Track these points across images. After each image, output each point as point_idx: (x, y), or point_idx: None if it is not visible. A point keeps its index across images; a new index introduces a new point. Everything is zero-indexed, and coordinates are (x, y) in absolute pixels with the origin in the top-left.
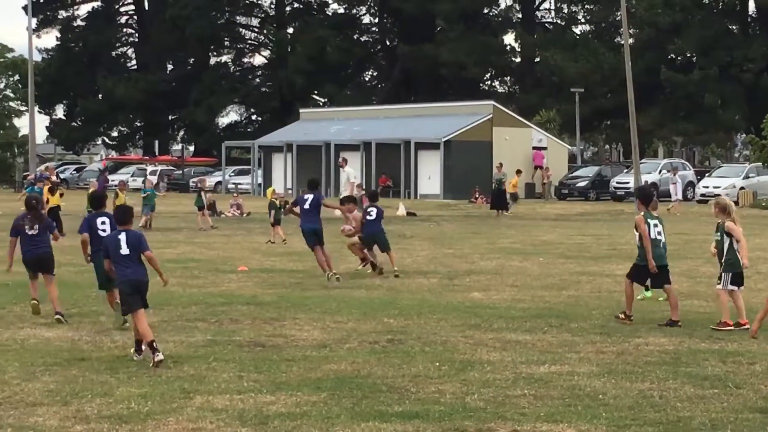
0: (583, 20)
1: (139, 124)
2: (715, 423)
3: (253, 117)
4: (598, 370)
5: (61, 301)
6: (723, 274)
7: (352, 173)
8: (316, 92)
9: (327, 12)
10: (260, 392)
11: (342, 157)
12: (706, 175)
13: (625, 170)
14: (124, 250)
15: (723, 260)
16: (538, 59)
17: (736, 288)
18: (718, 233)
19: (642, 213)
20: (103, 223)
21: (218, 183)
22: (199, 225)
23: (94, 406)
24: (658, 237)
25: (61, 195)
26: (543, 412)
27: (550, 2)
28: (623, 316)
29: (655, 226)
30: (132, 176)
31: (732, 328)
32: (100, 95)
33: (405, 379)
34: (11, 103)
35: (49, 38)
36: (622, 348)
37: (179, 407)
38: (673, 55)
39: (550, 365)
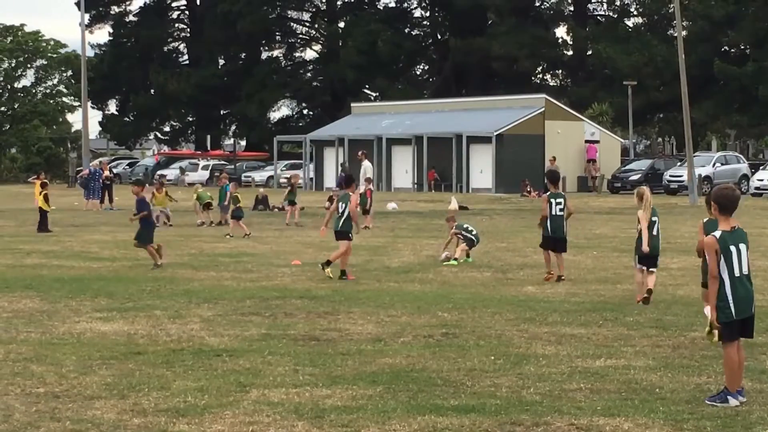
0: (635, 12)
1: (190, 119)
2: None
3: (305, 111)
4: (655, 363)
5: None
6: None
7: (369, 168)
8: (367, 86)
9: (378, 6)
10: (316, 386)
11: (361, 151)
12: (761, 168)
13: (679, 163)
14: None
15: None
16: (590, 52)
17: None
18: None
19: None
20: None
21: (270, 177)
22: (287, 219)
23: (151, 399)
24: (559, 213)
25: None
26: (599, 406)
27: None
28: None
29: (558, 204)
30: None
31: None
32: (152, 90)
33: (460, 373)
34: (64, 99)
35: (102, 34)
36: (678, 342)
37: (235, 401)
38: (726, 48)
39: (605, 359)
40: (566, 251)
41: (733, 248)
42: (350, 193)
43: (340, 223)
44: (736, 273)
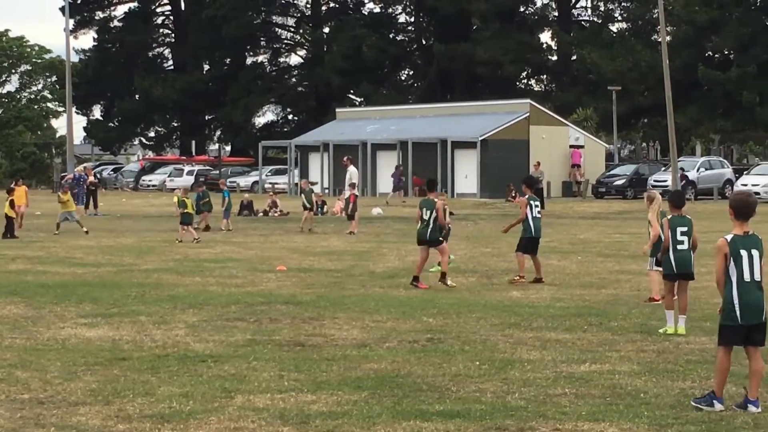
0: (619, 18)
1: (175, 124)
2: (758, 422)
3: (290, 117)
4: (639, 368)
5: None
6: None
7: (355, 173)
8: (352, 91)
9: (363, 11)
10: (301, 391)
11: (346, 157)
12: (745, 172)
13: (663, 168)
14: None
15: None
16: (574, 57)
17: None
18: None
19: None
20: None
21: (255, 183)
22: (301, 224)
23: (136, 405)
24: (537, 215)
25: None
26: (584, 410)
27: (586, 0)
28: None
29: (536, 206)
30: (169, 176)
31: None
32: (137, 95)
33: (445, 378)
34: (49, 104)
35: (86, 39)
36: (662, 346)
37: (220, 406)
38: (710, 53)
39: (590, 364)
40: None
41: (744, 252)
42: (434, 199)
43: (428, 231)
44: (746, 278)
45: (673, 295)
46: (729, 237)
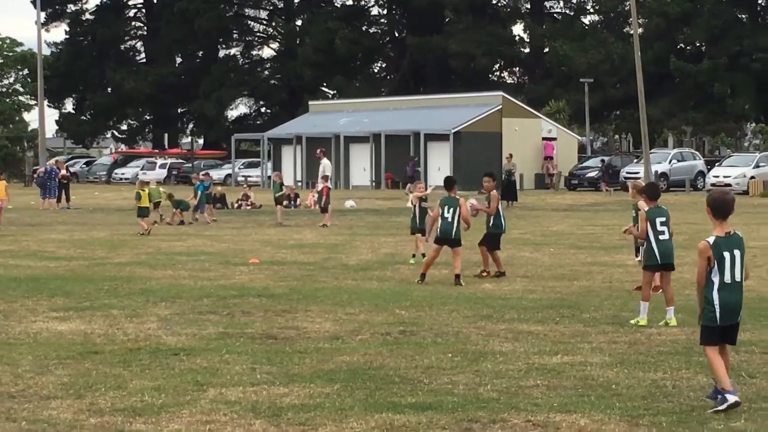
0: (591, 10)
1: (148, 118)
2: (729, 413)
3: (263, 109)
4: (611, 360)
5: None
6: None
7: (328, 166)
8: (325, 84)
9: (335, 4)
10: (273, 384)
11: (319, 149)
12: (716, 164)
13: (635, 160)
14: None
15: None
16: (547, 50)
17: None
18: (634, 211)
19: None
20: None
21: (228, 176)
22: (279, 219)
23: (108, 399)
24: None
25: None
26: (556, 402)
27: None
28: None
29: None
30: (142, 169)
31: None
32: (109, 89)
33: (418, 371)
34: (20, 97)
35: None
36: (634, 338)
37: (193, 400)
38: (682, 45)
39: (562, 356)
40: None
41: (727, 254)
42: (457, 197)
43: (453, 230)
44: (727, 279)
45: (651, 286)
46: (711, 240)
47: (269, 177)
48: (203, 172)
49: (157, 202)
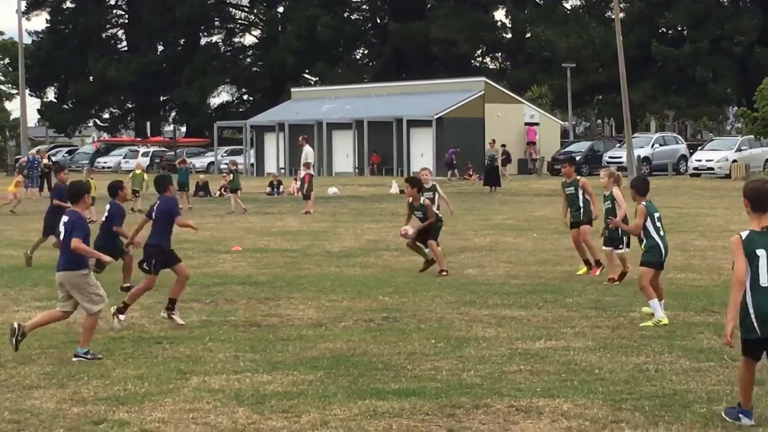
0: None
1: (130, 106)
2: (711, 395)
3: (245, 97)
4: (594, 344)
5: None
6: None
7: (310, 153)
8: (307, 71)
9: None
10: (256, 372)
11: (301, 137)
12: (699, 148)
13: (618, 145)
14: None
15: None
16: (529, 35)
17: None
18: (608, 201)
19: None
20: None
21: (210, 164)
22: (232, 208)
23: (91, 388)
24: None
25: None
26: (539, 387)
27: None
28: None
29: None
30: (124, 158)
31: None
32: (90, 77)
33: (401, 357)
34: (2, 87)
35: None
36: (617, 322)
37: (176, 388)
38: (664, 29)
39: (545, 341)
40: None
41: (762, 252)
42: (578, 179)
43: (582, 212)
44: (762, 282)
45: (653, 283)
46: (744, 234)
47: (252, 164)
48: (179, 159)
49: (136, 190)
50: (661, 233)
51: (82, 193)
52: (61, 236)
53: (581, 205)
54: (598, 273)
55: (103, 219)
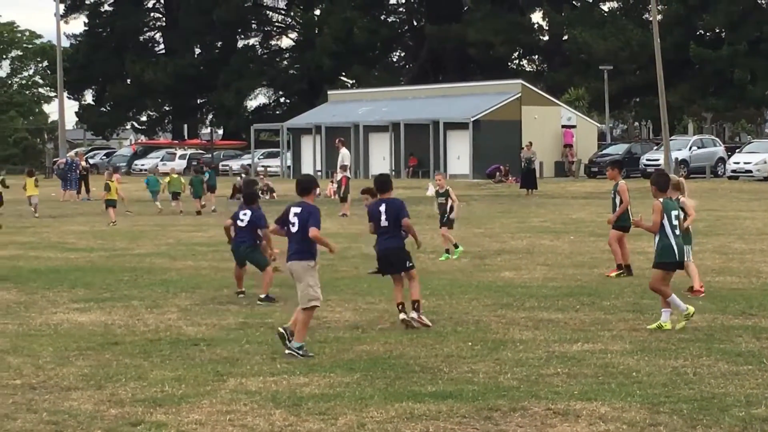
0: None
1: (167, 108)
2: (750, 399)
3: (282, 99)
4: (631, 347)
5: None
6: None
7: (347, 156)
8: (343, 74)
9: None
10: (293, 374)
11: (338, 139)
12: (737, 151)
13: (655, 147)
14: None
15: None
16: (566, 37)
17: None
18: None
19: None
20: (244, 214)
21: (248, 166)
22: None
23: (128, 389)
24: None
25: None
26: (576, 390)
27: None
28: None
29: None
30: (162, 160)
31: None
32: (128, 80)
33: (438, 359)
34: (40, 90)
35: (77, 24)
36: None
37: (213, 390)
38: (701, 31)
39: (582, 343)
40: None
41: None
42: (618, 182)
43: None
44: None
45: (664, 284)
46: None
47: (288, 167)
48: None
49: (177, 192)
50: (677, 232)
51: (312, 187)
52: (294, 227)
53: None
54: (613, 275)
55: (244, 225)
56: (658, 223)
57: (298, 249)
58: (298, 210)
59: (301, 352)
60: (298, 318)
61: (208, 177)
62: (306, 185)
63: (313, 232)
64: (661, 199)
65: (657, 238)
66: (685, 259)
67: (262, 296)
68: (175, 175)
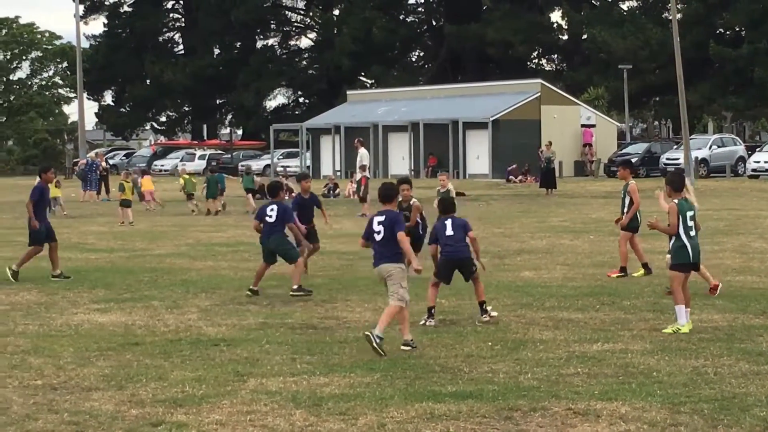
0: None
1: (187, 109)
2: None
3: (301, 99)
4: (652, 347)
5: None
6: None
7: (365, 155)
8: (362, 74)
9: None
10: (313, 374)
11: (357, 139)
12: (757, 150)
13: (675, 146)
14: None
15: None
16: (585, 36)
17: None
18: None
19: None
20: (271, 210)
21: (267, 166)
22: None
23: (149, 390)
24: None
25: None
26: (597, 390)
27: None
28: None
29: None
30: (181, 161)
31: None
32: (147, 80)
33: (458, 359)
34: (60, 90)
35: (97, 25)
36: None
37: (233, 390)
38: (721, 30)
39: (603, 343)
40: None
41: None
42: (628, 183)
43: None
44: None
45: (681, 286)
46: None
47: (308, 166)
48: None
49: (191, 193)
50: (692, 233)
51: (393, 194)
52: (379, 235)
53: (627, 210)
54: (614, 276)
55: (273, 220)
56: (676, 225)
57: (386, 253)
58: (381, 218)
59: (413, 345)
60: (385, 310)
61: (219, 179)
62: (387, 193)
63: (401, 236)
64: (676, 200)
65: (672, 240)
66: None
67: (295, 287)
68: (187, 176)
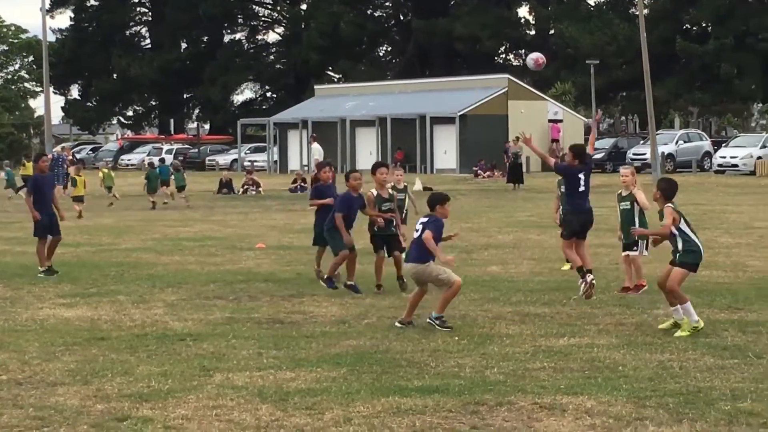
0: None
1: (154, 103)
2: (736, 393)
3: (268, 94)
4: (618, 341)
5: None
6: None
7: (317, 150)
8: (330, 68)
9: None
10: (280, 369)
11: (311, 134)
12: (723, 145)
13: (642, 141)
14: None
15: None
16: (552, 31)
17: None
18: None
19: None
20: None
21: (234, 161)
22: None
23: (115, 385)
24: None
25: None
26: (563, 384)
27: None
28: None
29: None
30: (148, 155)
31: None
32: (114, 75)
33: (424, 354)
34: (26, 84)
35: (63, 18)
36: (641, 319)
37: (199, 385)
38: (688, 25)
39: (569, 338)
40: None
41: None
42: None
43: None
44: None
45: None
46: None
47: (275, 161)
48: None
49: (109, 186)
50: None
51: (435, 203)
52: (417, 233)
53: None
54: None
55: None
56: (670, 226)
57: (415, 254)
58: (424, 220)
59: (438, 323)
60: (445, 295)
61: (160, 172)
62: (433, 201)
63: (426, 234)
64: (671, 204)
65: (680, 241)
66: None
67: (325, 277)
68: (106, 170)
